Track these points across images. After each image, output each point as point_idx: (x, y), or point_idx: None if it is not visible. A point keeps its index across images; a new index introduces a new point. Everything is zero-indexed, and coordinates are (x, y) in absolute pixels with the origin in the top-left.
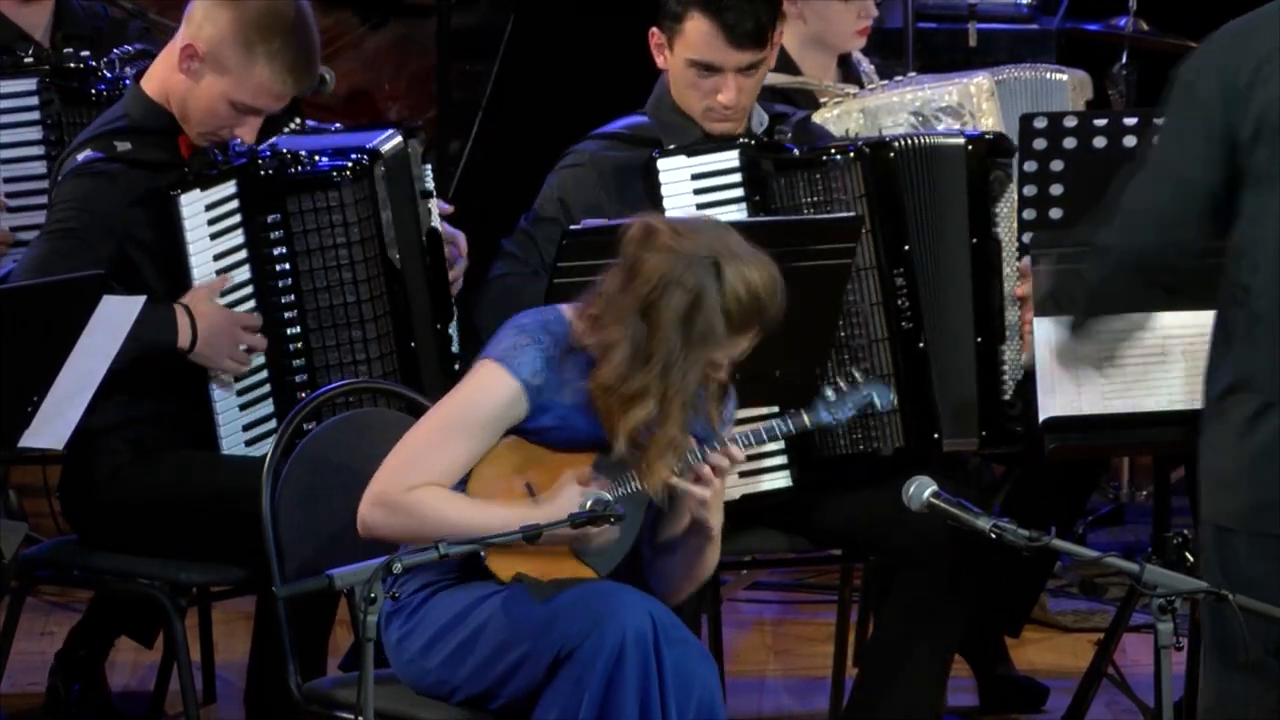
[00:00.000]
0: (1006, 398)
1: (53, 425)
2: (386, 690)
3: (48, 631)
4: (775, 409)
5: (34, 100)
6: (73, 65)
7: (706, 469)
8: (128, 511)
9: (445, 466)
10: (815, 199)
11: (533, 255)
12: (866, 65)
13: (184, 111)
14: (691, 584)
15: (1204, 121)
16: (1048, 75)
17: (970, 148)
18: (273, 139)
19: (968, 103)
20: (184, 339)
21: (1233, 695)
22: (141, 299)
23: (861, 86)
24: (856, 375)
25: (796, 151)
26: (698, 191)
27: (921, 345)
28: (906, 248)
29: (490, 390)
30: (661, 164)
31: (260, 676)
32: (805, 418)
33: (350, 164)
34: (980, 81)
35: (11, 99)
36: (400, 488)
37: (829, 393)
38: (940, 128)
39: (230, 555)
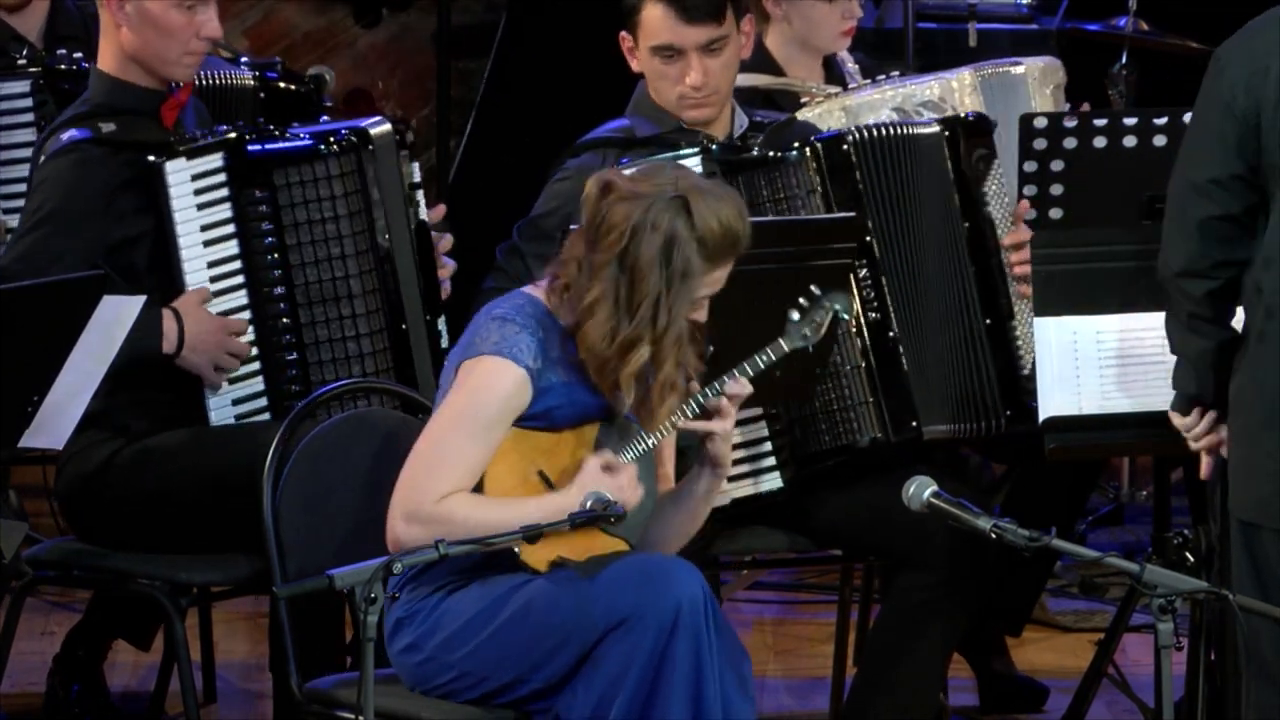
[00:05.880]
0: (1025, 372)
1: (53, 425)
2: (387, 690)
3: (48, 631)
4: (775, 409)
5: (28, 102)
6: (65, 67)
7: (723, 401)
8: (125, 507)
9: (466, 469)
10: (776, 197)
11: (515, 266)
12: (850, 65)
13: (155, 55)
14: (689, 532)
15: (1227, 107)
16: (1010, 70)
17: (948, 133)
18: (259, 120)
19: (949, 97)
20: (170, 345)
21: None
22: (141, 299)
23: (845, 87)
24: (814, 290)
25: (755, 151)
26: None
27: (892, 334)
28: (868, 239)
29: (498, 384)
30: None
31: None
32: (781, 343)
33: (339, 139)
34: (963, 76)
35: (5, 100)
36: (428, 499)
37: (794, 315)
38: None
39: (232, 544)
